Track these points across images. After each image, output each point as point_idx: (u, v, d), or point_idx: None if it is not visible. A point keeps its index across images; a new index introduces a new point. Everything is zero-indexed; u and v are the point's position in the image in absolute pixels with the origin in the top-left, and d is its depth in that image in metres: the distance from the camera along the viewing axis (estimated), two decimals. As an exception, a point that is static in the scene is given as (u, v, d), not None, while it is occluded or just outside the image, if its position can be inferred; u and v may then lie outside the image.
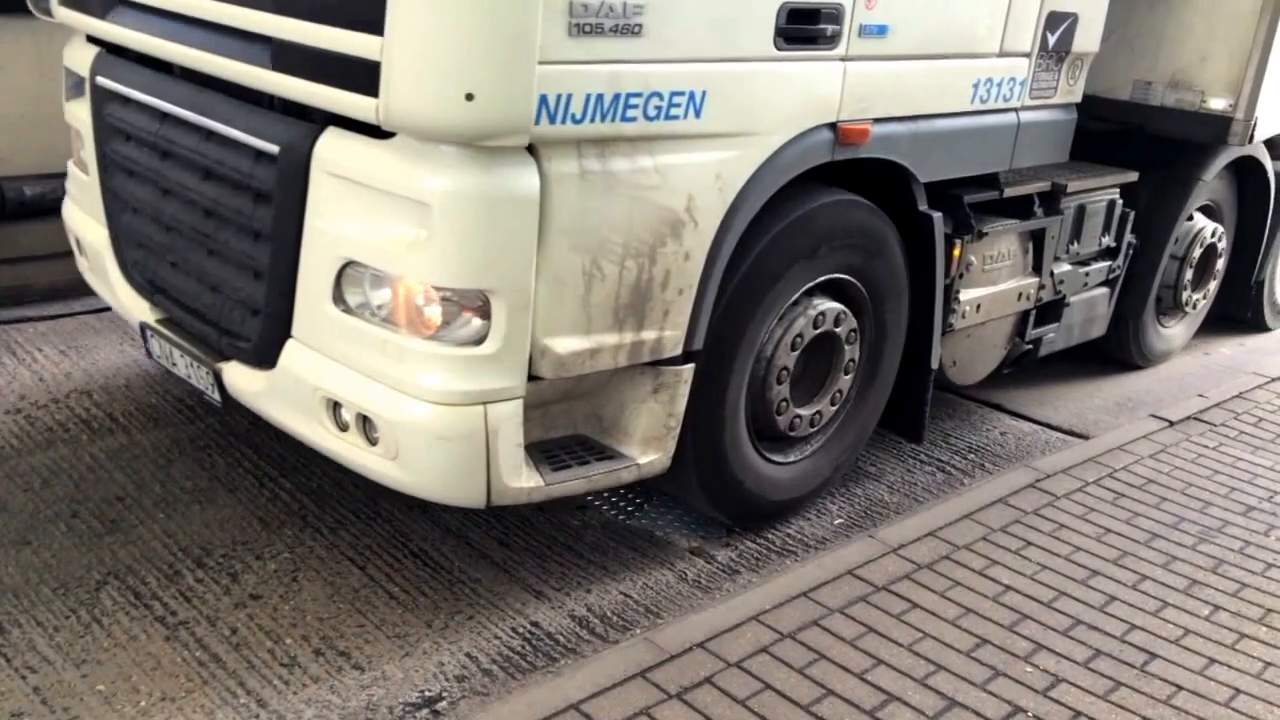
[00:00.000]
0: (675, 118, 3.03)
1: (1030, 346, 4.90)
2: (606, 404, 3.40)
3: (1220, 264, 6.02)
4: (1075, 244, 4.87)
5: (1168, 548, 3.91)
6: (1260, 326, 6.81)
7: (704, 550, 3.88)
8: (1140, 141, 5.23)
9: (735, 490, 3.77)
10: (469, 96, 2.63)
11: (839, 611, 3.31)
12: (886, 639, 3.21)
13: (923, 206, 3.95)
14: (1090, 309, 5.25)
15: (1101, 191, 4.94)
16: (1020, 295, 4.66)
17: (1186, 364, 6.26)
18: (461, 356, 2.90)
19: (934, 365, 4.24)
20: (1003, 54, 4.01)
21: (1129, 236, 5.21)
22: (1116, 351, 5.85)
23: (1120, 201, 5.05)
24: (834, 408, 3.99)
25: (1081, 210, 4.83)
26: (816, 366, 3.91)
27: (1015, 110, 4.21)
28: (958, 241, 4.15)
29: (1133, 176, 5.09)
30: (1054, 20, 4.17)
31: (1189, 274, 5.79)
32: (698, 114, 3.07)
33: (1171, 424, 5.02)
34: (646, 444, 3.41)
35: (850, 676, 3.03)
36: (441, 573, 3.58)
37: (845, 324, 3.86)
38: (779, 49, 3.22)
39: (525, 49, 2.67)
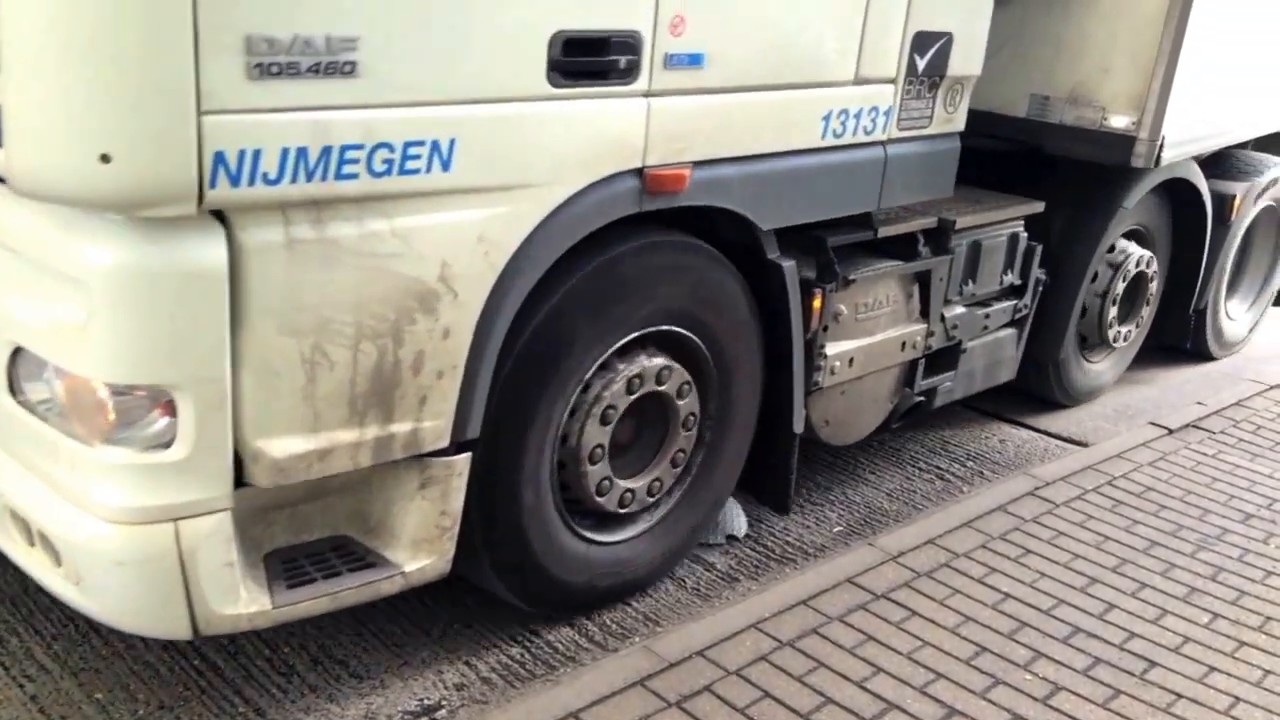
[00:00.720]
0: (414, 172, 2.49)
1: (922, 398, 4.43)
2: (371, 501, 2.88)
3: (1153, 293, 5.57)
4: (970, 284, 4.42)
5: (1167, 555, 3.91)
6: (1204, 356, 6.39)
7: (702, 558, 3.87)
8: (1066, 164, 4.87)
9: (550, 582, 3.27)
10: (104, 158, 2.11)
11: (838, 619, 3.31)
12: (886, 647, 3.20)
13: (772, 254, 3.48)
14: (994, 353, 4.77)
15: (1001, 225, 4.50)
16: (905, 344, 4.18)
17: (1185, 372, 6.28)
18: (144, 464, 2.41)
19: (797, 428, 3.75)
20: (859, 81, 3.47)
21: (1037, 272, 4.74)
22: (1037, 391, 5.37)
23: (1024, 235, 4.61)
24: (676, 469, 3.51)
25: (976, 247, 4.37)
26: (651, 428, 3.43)
27: (881, 144, 3.66)
28: (819, 290, 3.66)
29: (1038, 207, 4.64)
30: (922, 42, 3.62)
31: (1113, 307, 5.29)
32: (445, 166, 2.53)
33: (1170, 431, 5.02)
34: (417, 547, 2.89)
35: (850, 684, 3.02)
36: (440, 580, 3.56)
37: (673, 379, 3.35)
38: (555, 85, 2.67)
39: (177, 97, 2.12)
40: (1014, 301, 4.72)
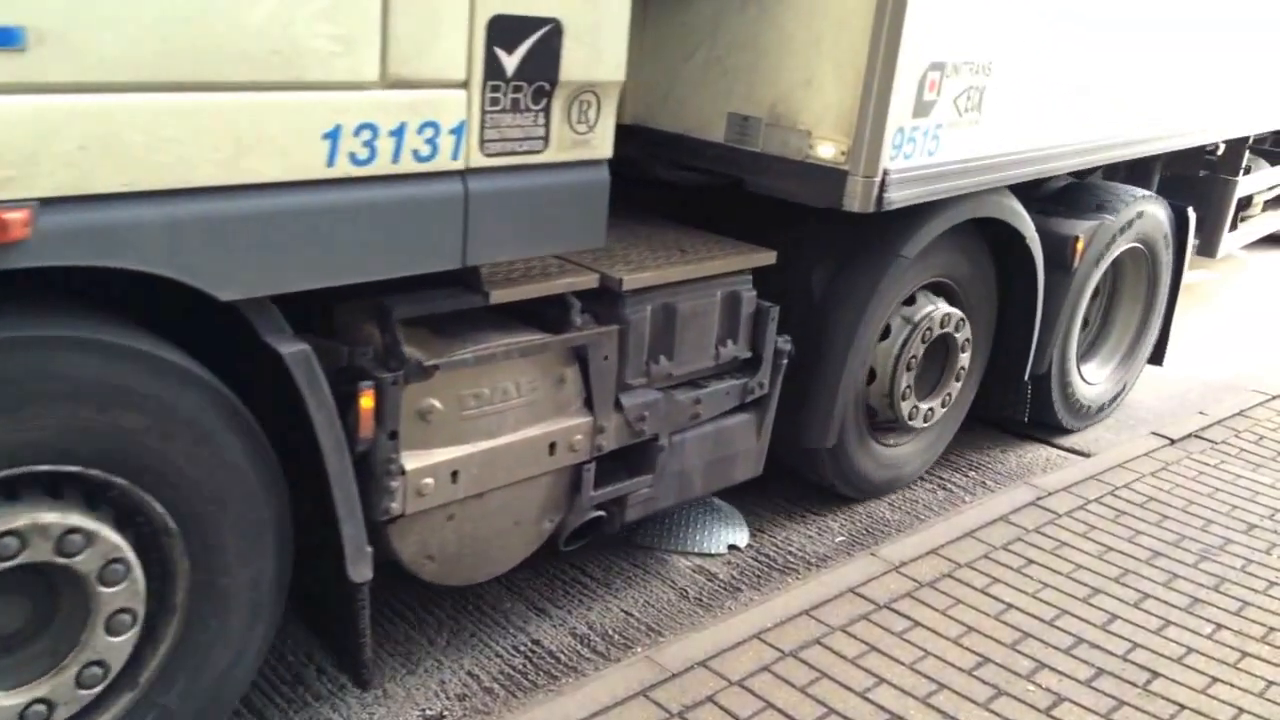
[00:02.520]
0: None
1: (603, 513, 3.40)
2: None
3: (964, 361, 4.48)
4: (664, 361, 3.34)
5: (1169, 566, 3.91)
6: (1055, 428, 5.30)
7: (705, 568, 3.88)
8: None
9: None
10: None
11: (841, 629, 3.31)
12: (888, 657, 3.21)
13: (269, 335, 2.44)
14: (718, 446, 3.65)
15: (709, 283, 3.42)
16: (556, 445, 3.12)
17: (1186, 381, 6.28)
18: None
19: (356, 575, 2.69)
20: (393, 84, 2.40)
21: (777, 341, 3.65)
22: (815, 480, 4.34)
23: (751, 294, 3.55)
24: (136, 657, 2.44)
25: (669, 312, 3.31)
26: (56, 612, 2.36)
27: (458, 175, 2.59)
28: (372, 384, 2.63)
29: (766, 258, 3.56)
30: (506, 30, 2.55)
31: (906, 375, 4.18)
32: None
33: (1172, 441, 5.02)
34: None
35: (852, 695, 3.02)
36: (443, 590, 3.57)
37: (94, 547, 2.26)
38: None
39: None
40: (743, 380, 3.61)
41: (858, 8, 3.30)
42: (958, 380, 4.51)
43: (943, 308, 4.25)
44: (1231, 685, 3.25)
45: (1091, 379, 5.45)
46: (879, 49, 3.28)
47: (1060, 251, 4.70)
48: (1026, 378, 4.80)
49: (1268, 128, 6.77)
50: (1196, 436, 5.11)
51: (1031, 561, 3.83)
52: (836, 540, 4.17)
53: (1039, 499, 4.31)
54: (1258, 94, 6.22)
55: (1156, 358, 5.79)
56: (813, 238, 3.89)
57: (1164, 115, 5.17)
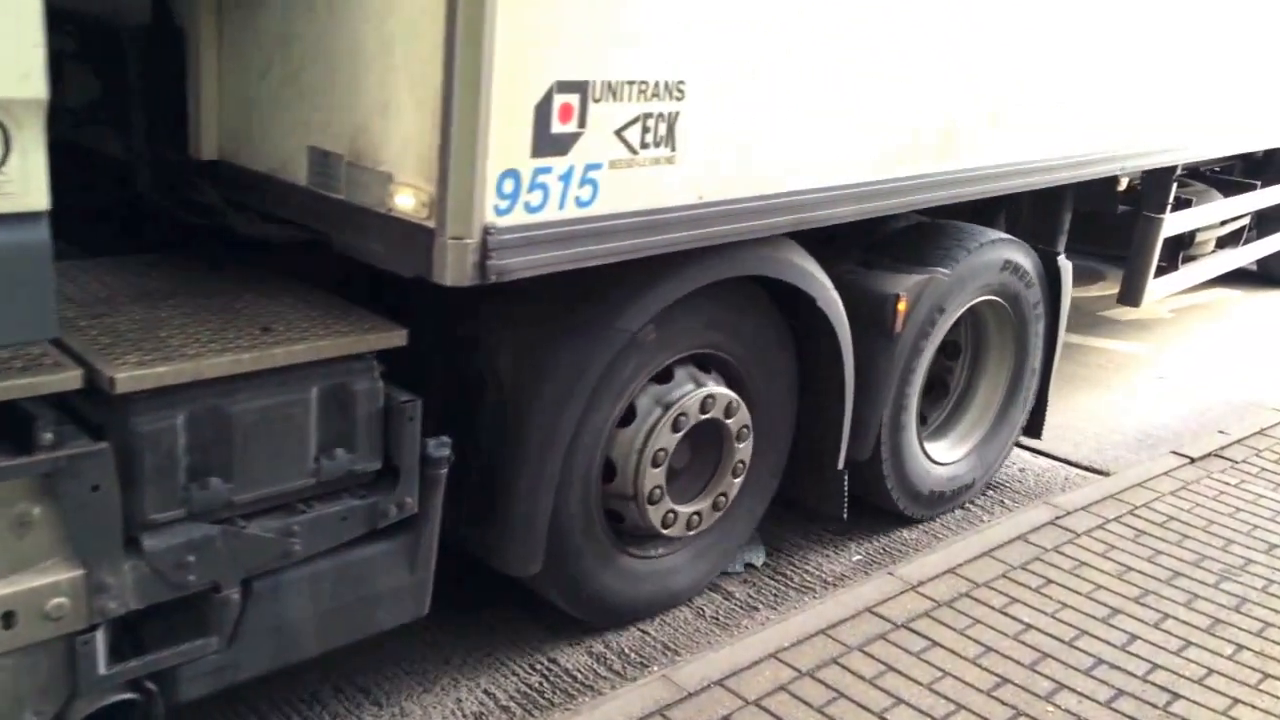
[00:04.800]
0: None
1: (135, 695, 2.45)
2: None
3: (742, 453, 3.58)
4: (219, 483, 2.41)
5: (1190, 586, 3.88)
6: (895, 516, 4.40)
7: (722, 586, 3.87)
8: None
9: None
10: None
11: (858, 649, 3.30)
12: (906, 677, 3.19)
13: None
14: (345, 587, 2.72)
15: (298, 374, 2.51)
16: (16, 615, 2.22)
17: (1206, 400, 6.24)
18: None
19: None
20: None
21: (427, 444, 2.73)
22: (554, 602, 3.43)
23: (375, 386, 2.62)
24: None
25: (219, 418, 2.40)
26: None
27: None
28: None
29: (394, 337, 2.65)
30: None
31: (652, 477, 3.32)
32: None
33: (1192, 460, 4.99)
34: None
35: (870, 715, 3.01)
36: (460, 608, 3.58)
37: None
38: None
39: None
40: (370, 499, 2.69)
41: (428, 4, 2.35)
42: (735, 476, 3.61)
43: (708, 388, 3.39)
44: (1253, 707, 3.22)
45: (943, 458, 4.49)
46: (454, 62, 2.32)
47: (879, 313, 3.81)
48: (841, 466, 3.87)
49: (1203, 155, 5.84)
50: (1217, 455, 5.08)
51: (1050, 581, 3.81)
52: (854, 559, 4.16)
53: (1058, 518, 4.29)
54: (1193, 113, 5.28)
55: (1033, 429, 4.89)
56: (498, 307, 3.01)
57: (1040, 141, 4.17)
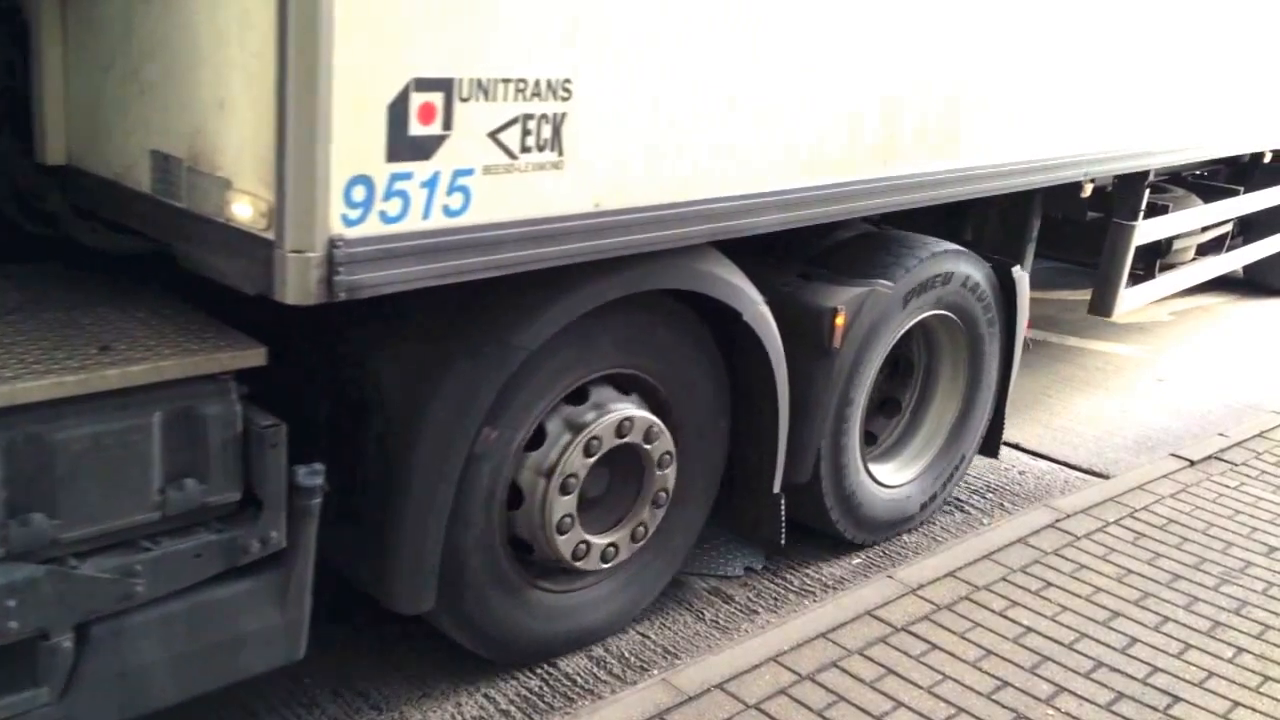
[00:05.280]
0: None
1: None
2: None
3: (665, 480, 3.34)
4: (42, 519, 2.17)
5: (1190, 589, 3.88)
6: (835, 540, 4.16)
7: (721, 590, 3.87)
8: None
9: None
10: None
11: (858, 653, 3.29)
12: (906, 681, 3.19)
13: None
14: (204, 630, 2.47)
15: (136, 397, 2.27)
16: None
17: (1206, 403, 6.24)
18: None
19: None
20: None
21: (296, 472, 2.47)
22: (448, 636, 3.19)
23: (231, 409, 2.39)
24: None
25: (37, 447, 2.15)
26: None
27: None
28: None
29: (251, 356, 2.42)
30: None
31: (561, 505, 3.07)
32: None
33: (1192, 463, 4.99)
34: None
35: (869, 718, 3.01)
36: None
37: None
38: None
39: None
40: (229, 534, 2.45)
41: None
42: (657, 505, 3.38)
43: (625, 410, 3.16)
44: (1253, 709, 3.22)
45: (891, 481, 4.26)
46: (287, 56, 2.09)
47: (815, 328, 3.58)
48: (777, 489, 3.62)
49: (1177, 161, 5.60)
50: (1216, 458, 5.08)
51: (1050, 584, 3.81)
52: (853, 563, 4.16)
53: (1057, 521, 4.29)
54: (1165, 117, 5.02)
55: (989, 448, 4.69)
56: (382, 322, 2.81)
57: (994, 145, 3.93)
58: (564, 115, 2.50)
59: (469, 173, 2.36)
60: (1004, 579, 3.81)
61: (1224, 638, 3.59)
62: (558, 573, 3.27)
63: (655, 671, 3.37)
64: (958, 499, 4.76)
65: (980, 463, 5.10)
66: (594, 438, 3.10)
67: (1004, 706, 3.12)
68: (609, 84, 2.58)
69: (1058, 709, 3.14)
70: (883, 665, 3.25)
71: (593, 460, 3.12)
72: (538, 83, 2.43)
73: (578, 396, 3.12)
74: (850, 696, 3.09)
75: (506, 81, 2.38)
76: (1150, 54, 4.73)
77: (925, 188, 3.67)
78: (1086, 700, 3.19)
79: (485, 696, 3.20)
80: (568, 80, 2.49)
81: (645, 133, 2.70)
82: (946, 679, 3.22)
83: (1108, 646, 3.47)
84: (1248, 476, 4.92)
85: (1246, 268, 7.99)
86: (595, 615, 3.43)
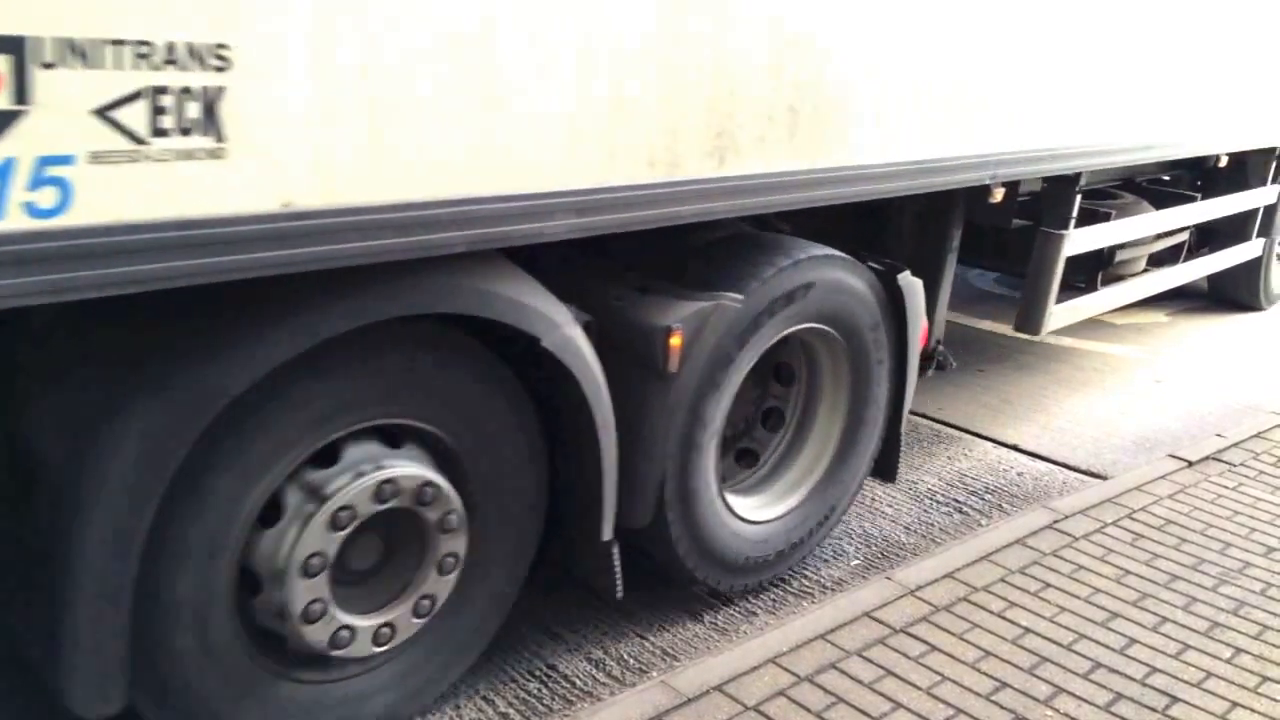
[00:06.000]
0: None
1: None
2: None
3: (453, 544, 2.80)
4: None
5: (1188, 589, 3.88)
6: (692, 586, 3.71)
7: (720, 592, 3.87)
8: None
9: None
10: None
11: (856, 654, 3.30)
12: (904, 682, 3.19)
13: None
14: None
15: None
16: None
17: (1204, 403, 6.24)
18: None
19: None
20: None
21: None
22: None
23: None
24: None
25: None
26: None
27: None
28: None
29: None
30: None
31: (306, 590, 2.53)
32: None
33: (1190, 464, 4.99)
34: None
35: (868, 720, 3.01)
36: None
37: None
38: None
39: None
40: None
41: None
42: (444, 573, 2.82)
43: (388, 470, 2.60)
44: (1251, 710, 3.22)
45: (758, 517, 3.73)
46: None
47: (647, 349, 3.06)
48: (608, 536, 3.12)
49: (1116, 163, 5.01)
50: (1214, 459, 5.08)
51: (1049, 585, 3.81)
52: (852, 564, 4.16)
53: (1056, 522, 4.29)
54: (1100, 112, 4.42)
55: (884, 471, 4.20)
56: (41, 359, 2.33)
57: (863, 140, 3.33)
58: (221, 89, 1.93)
59: (67, 160, 1.81)
60: (1002, 580, 3.81)
61: (1222, 638, 3.59)
62: (320, 660, 2.67)
63: (654, 673, 3.37)
64: (955, 500, 4.76)
65: (979, 463, 5.10)
66: (343, 508, 2.53)
67: (1003, 707, 3.13)
68: (291, 46, 1.97)
69: (1056, 710, 3.14)
70: (881, 666, 3.25)
71: (344, 534, 2.55)
72: (171, 47, 1.85)
73: (327, 456, 2.54)
74: (849, 698, 3.09)
75: (118, 44, 1.80)
76: (1080, 43, 4.18)
77: (763, 191, 3.08)
78: (1085, 701, 3.19)
79: (484, 699, 3.20)
80: (222, 45, 1.90)
81: (359, 113, 2.10)
82: (945, 680, 3.22)
83: (1106, 647, 3.47)
84: (1246, 477, 4.92)
85: (1211, 280, 7.44)
86: (372, 707, 2.83)
